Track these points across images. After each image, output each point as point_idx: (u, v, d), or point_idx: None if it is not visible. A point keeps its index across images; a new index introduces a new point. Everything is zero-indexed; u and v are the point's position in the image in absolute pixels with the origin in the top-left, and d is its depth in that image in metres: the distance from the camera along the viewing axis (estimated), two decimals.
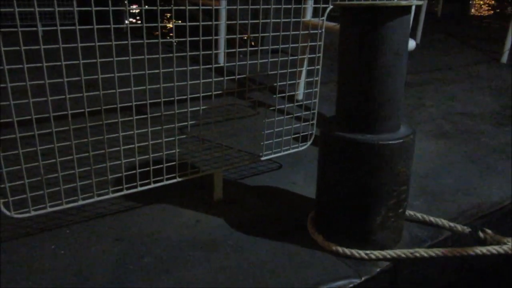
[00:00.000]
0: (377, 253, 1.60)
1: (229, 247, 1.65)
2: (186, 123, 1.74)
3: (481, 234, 1.76)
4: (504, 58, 4.91)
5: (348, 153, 1.53)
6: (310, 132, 2.18)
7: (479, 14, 9.89)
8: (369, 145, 1.49)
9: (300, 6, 1.87)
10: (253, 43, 4.19)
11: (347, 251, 1.61)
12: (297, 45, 1.92)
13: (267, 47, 1.85)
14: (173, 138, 1.73)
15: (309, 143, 2.20)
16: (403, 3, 1.36)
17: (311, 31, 1.93)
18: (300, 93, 3.02)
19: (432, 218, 1.82)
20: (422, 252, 1.60)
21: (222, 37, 3.50)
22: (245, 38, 4.05)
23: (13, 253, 1.54)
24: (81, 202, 1.60)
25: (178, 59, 1.60)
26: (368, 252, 1.60)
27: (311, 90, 2.09)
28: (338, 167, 1.58)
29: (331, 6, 1.95)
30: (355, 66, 1.50)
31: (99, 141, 1.59)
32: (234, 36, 1.77)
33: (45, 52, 1.35)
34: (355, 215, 1.60)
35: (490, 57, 5.22)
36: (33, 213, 1.52)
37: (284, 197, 2.02)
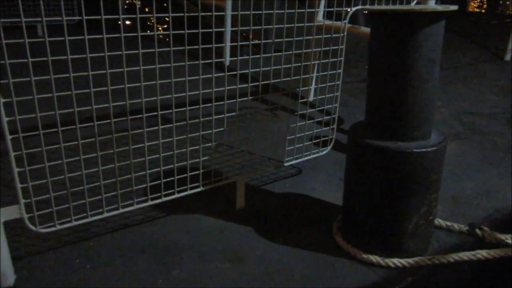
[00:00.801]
0: (409, 261, 1.58)
1: (256, 257, 1.62)
2: (210, 131, 1.70)
3: (478, 232, 1.74)
4: (508, 56, 4.91)
5: (380, 161, 1.50)
6: (331, 136, 2.15)
7: (476, 10, 9.92)
8: (403, 154, 1.46)
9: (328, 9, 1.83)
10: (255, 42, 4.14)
11: (378, 259, 1.58)
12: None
13: (291, 52, 1.81)
14: (197, 147, 1.69)
15: (329, 147, 2.17)
16: (441, 8, 1.33)
17: (334, 35, 1.89)
18: (311, 96, 2.99)
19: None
20: (454, 257, 1.59)
21: (228, 44, 3.47)
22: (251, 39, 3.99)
23: (37, 269, 1.49)
24: (106, 215, 1.56)
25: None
26: (399, 260, 1.58)
27: (332, 95, 2.05)
28: (369, 175, 1.55)
29: (353, 9, 1.92)
30: (388, 73, 1.46)
31: (123, 150, 1.54)
32: (258, 41, 1.73)
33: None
34: (386, 223, 1.57)
35: (493, 54, 5.22)
36: (58, 227, 1.47)
37: (306, 204, 1.99)
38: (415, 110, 1.47)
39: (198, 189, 1.76)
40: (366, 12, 1.42)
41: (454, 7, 1.37)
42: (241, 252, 1.64)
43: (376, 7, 1.46)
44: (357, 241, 1.65)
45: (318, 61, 1.88)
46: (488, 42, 5.98)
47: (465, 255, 1.59)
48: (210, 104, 1.65)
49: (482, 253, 1.59)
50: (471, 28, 7.28)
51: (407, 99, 1.46)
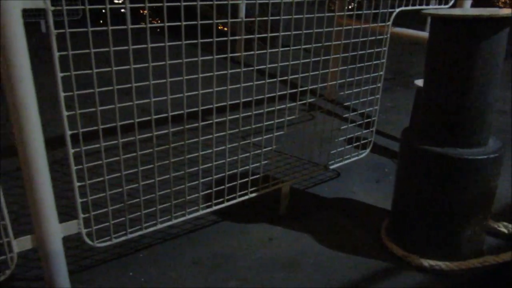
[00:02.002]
0: (465, 264, 1.57)
1: (309, 265, 1.60)
2: (260, 138, 1.66)
3: None
4: None
5: (440, 168, 1.48)
6: (370, 139, 2.13)
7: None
8: (466, 161, 1.44)
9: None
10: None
11: (433, 263, 1.57)
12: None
13: (339, 56, 1.77)
14: (247, 154, 1.65)
15: (368, 150, 2.14)
16: (510, 13, 1.30)
17: (378, 37, 1.86)
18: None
19: None
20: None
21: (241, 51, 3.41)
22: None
23: (92, 283, 1.45)
24: (159, 226, 1.52)
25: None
26: (455, 263, 1.57)
27: (372, 97, 2.03)
28: (427, 181, 1.52)
29: (397, 10, 1.88)
30: (449, 78, 1.44)
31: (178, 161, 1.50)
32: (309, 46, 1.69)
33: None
34: (444, 229, 1.55)
35: None
36: (114, 241, 1.43)
37: (348, 208, 1.97)
38: (476, 116, 1.45)
39: (247, 196, 1.72)
40: (426, 15, 1.39)
41: None
42: (293, 260, 1.62)
43: (438, 10, 1.43)
44: (411, 246, 1.63)
45: (362, 64, 1.85)
46: None
47: None
48: (261, 111, 1.61)
49: None
50: None
51: (469, 105, 1.43)
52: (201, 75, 1.38)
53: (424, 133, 1.57)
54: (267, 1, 1.53)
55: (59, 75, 1.12)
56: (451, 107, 1.46)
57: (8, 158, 2.20)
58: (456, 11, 1.47)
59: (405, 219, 1.65)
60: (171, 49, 1.28)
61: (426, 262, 1.59)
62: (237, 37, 1.45)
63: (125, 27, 1.18)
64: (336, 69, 1.79)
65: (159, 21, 5.68)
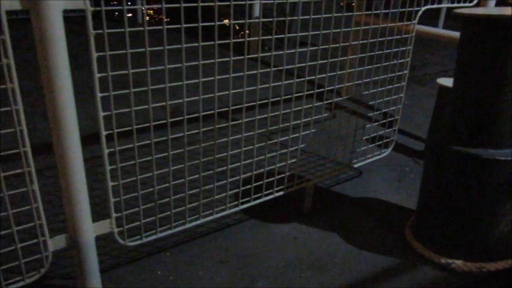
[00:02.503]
0: (493, 265, 1.56)
1: (337, 265, 1.60)
2: (287, 137, 1.66)
3: None
4: None
5: (470, 168, 1.47)
6: (392, 138, 2.12)
7: None
8: (497, 162, 1.43)
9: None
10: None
11: (461, 263, 1.57)
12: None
13: (364, 54, 1.76)
14: (274, 153, 1.65)
15: (390, 149, 2.13)
16: None
17: (404, 36, 1.85)
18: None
19: None
20: None
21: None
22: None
23: (122, 281, 1.46)
24: (188, 225, 1.52)
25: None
26: (483, 264, 1.56)
27: (396, 96, 2.01)
28: (456, 181, 1.52)
29: (423, 8, 1.87)
30: (482, 78, 1.42)
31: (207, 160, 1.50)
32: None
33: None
34: (473, 230, 1.55)
35: None
36: (144, 239, 1.43)
37: (371, 206, 1.96)
38: (508, 117, 1.44)
39: (272, 196, 1.72)
40: (459, 14, 1.37)
41: None
42: (319, 260, 1.62)
43: (471, 10, 1.42)
44: (438, 246, 1.63)
45: (387, 63, 1.84)
46: None
47: None
48: (289, 110, 1.61)
49: None
50: None
51: (502, 106, 1.42)
52: (232, 75, 1.37)
53: (453, 133, 1.56)
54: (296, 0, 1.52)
55: (97, 75, 1.12)
56: (483, 107, 1.45)
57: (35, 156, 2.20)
58: (488, 11, 1.46)
59: (432, 219, 1.65)
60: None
61: (453, 263, 1.58)
62: (267, 37, 1.45)
63: (161, 27, 1.17)
64: (362, 68, 1.78)
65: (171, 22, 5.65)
